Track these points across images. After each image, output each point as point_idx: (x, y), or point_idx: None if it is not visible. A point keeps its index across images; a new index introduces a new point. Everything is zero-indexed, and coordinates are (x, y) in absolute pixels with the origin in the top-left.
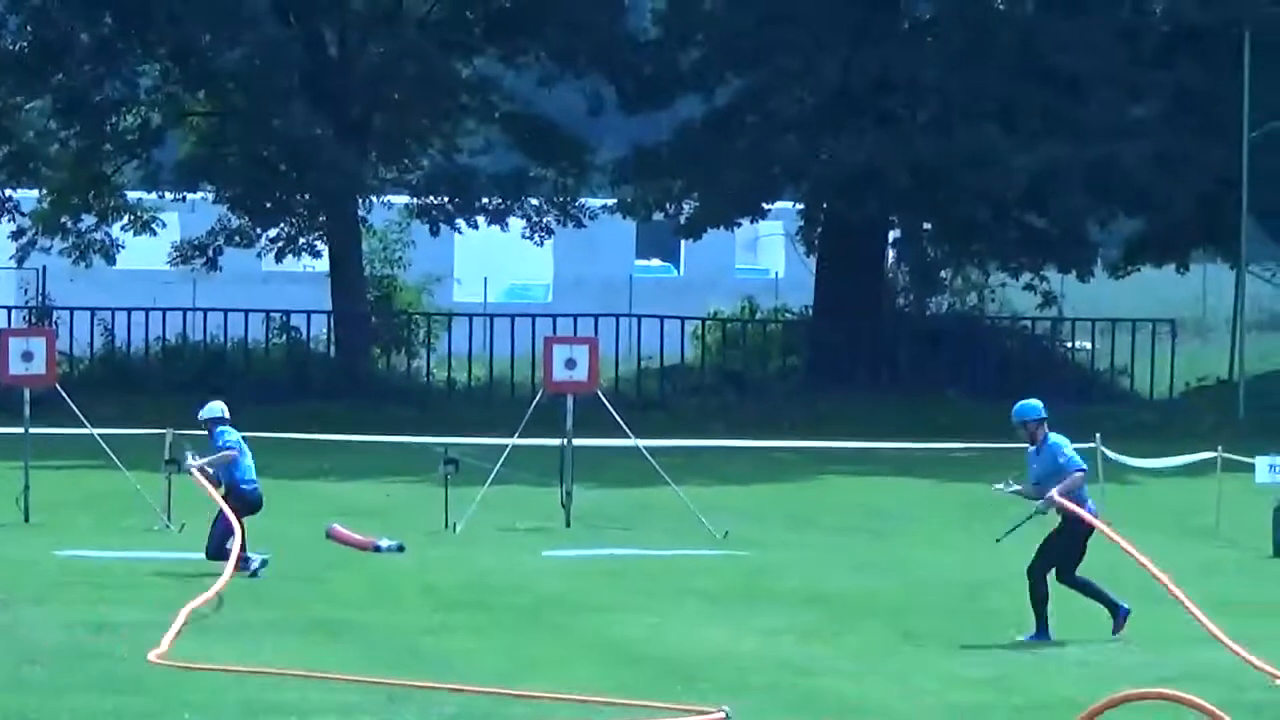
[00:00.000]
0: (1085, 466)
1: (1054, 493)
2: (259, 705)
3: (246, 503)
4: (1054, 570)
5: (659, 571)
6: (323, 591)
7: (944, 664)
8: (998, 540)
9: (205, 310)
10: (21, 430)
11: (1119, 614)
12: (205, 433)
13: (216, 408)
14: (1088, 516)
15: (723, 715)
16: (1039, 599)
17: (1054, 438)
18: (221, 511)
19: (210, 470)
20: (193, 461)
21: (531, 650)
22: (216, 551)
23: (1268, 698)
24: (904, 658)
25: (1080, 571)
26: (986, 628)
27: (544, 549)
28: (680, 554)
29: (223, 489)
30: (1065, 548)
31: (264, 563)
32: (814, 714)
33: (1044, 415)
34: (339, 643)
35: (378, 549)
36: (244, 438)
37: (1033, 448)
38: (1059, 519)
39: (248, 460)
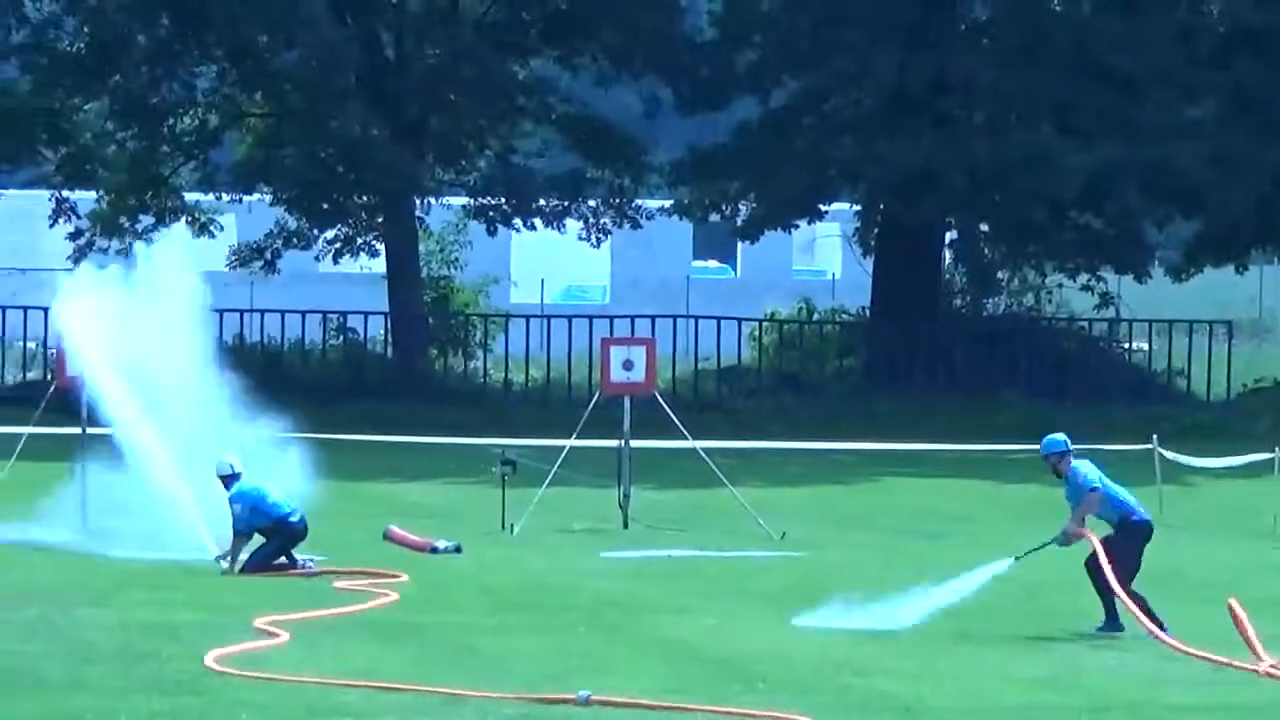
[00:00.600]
0: (1098, 485)
1: (1068, 525)
2: (318, 706)
3: (296, 533)
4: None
5: (716, 573)
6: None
7: (1001, 664)
8: (1017, 559)
9: (262, 311)
10: (79, 430)
11: (1115, 625)
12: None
13: (226, 464)
14: (1090, 536)
15: (579, 699)
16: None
17: (1075, 464)
18: (269, 543)
19: (237, 555)
20: (226, 566)
21: (589, 651)
22: (258, 566)
23: None
24: (961, 658)
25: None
26: (1044, 628)
27: (601, 550)
28: (737, 555)
29: (271, 528)
30: (1120, 554)
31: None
32: (871, 714)
33: (1067, 448)
34: (397, 644)
35: (435, 550)
36: (254, 487)
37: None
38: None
39: (275, 497)
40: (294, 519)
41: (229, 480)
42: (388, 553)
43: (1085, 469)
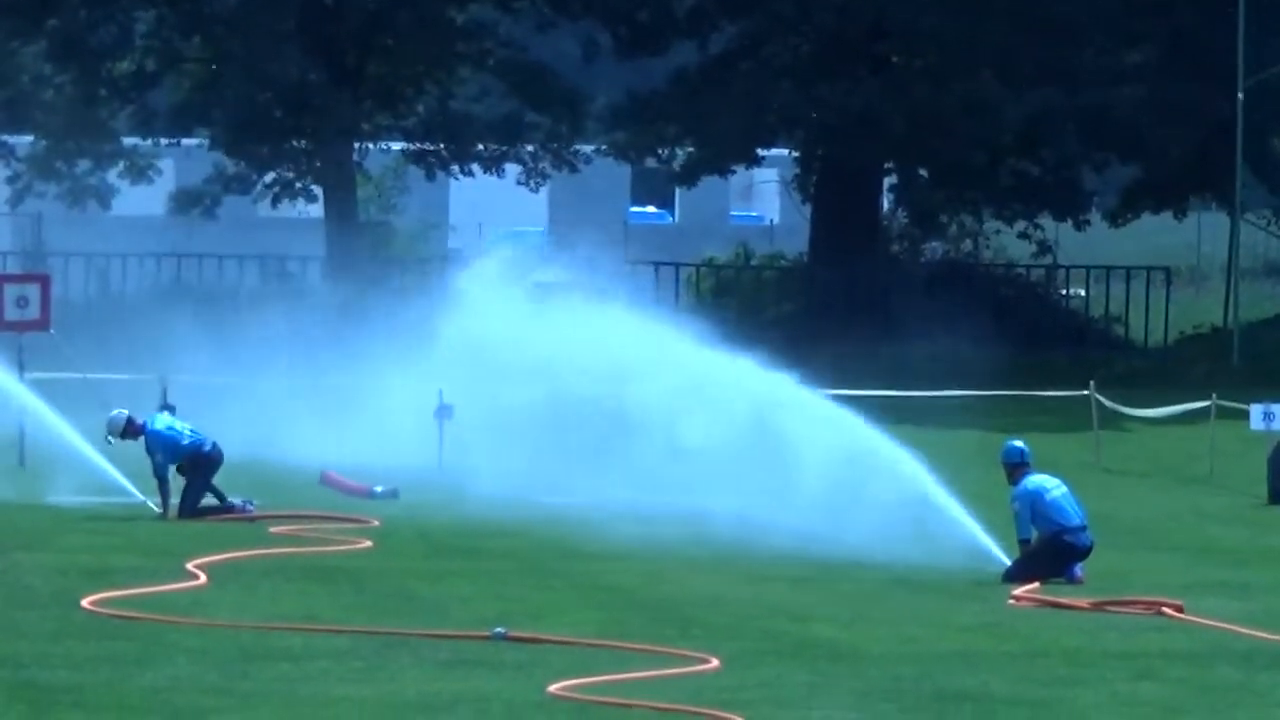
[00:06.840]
0: (1028, 535)
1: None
2: (254, 650)
3: (214, 462)
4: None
5: (655, 519)
6: (317, 537)
7: (937, 611)
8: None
9: (200, 256)
10: (17, 375)
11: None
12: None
13: (122, 416)
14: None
15: (494, 635)
16: None
17: (1023, 485)
18: (194, 480)
19: (167, 500)
20: (167, 514)
21: (526, 596)
22: (191, 511)
23: (1256, 646)
24: (896, 605)
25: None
26: (983, 575)
27: (542, 496)
28: (673, 501)
29: (188, 463)
30: (1037, 562)
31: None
32: (805, 659)
33: (1014, 460)
34: (334, 589)
35: (372, 495)
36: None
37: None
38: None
39: (185, 431)
40: (208, 448)
41: (130, 428)
42: (324, 498)
43: (1019, 508)
